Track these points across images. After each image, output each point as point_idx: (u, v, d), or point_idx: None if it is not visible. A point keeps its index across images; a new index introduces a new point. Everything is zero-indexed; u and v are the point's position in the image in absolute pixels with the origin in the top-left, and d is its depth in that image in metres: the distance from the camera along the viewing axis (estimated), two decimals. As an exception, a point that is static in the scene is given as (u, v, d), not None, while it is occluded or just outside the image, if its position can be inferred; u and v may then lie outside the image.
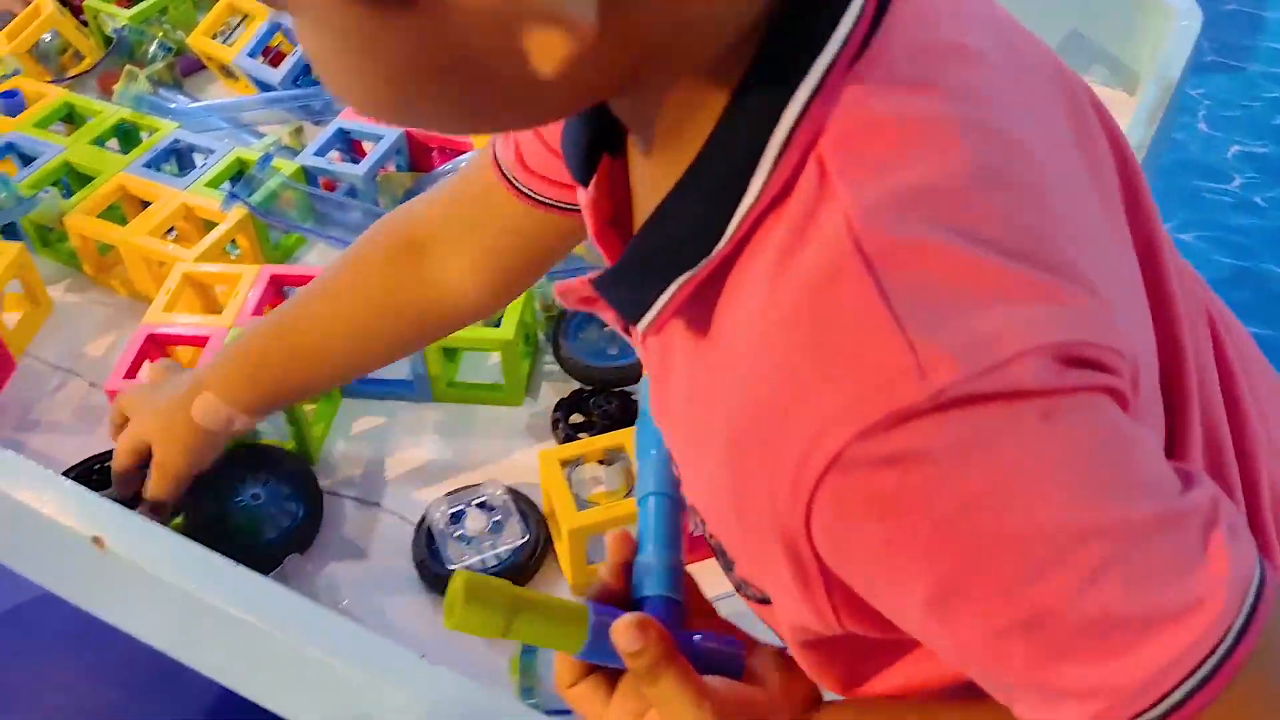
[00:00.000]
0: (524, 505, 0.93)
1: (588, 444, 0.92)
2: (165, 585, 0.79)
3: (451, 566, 0.89)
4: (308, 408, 1.00)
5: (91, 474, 0.95)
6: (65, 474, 0.94)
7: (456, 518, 0.92)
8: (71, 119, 1.31)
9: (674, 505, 0.63)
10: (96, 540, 0.82)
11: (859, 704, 0.60)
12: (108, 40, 1.50)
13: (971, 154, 0.43)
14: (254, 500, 0.94)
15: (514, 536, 0.90)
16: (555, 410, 1.02)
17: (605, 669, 0.58)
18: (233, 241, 1.15)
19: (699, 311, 0.48)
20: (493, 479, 0.94)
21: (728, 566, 0.57)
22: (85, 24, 1.50)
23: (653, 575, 0.60)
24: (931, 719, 0.57)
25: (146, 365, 0.99)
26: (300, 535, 0.93)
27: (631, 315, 0.50)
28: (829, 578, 0.46)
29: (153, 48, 1.46)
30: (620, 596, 0.61)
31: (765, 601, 0.54)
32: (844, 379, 0.41)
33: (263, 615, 0.76)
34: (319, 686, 0.77)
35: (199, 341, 1.00)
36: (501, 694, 0.75)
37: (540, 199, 0.72)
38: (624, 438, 0.92)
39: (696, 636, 0.59)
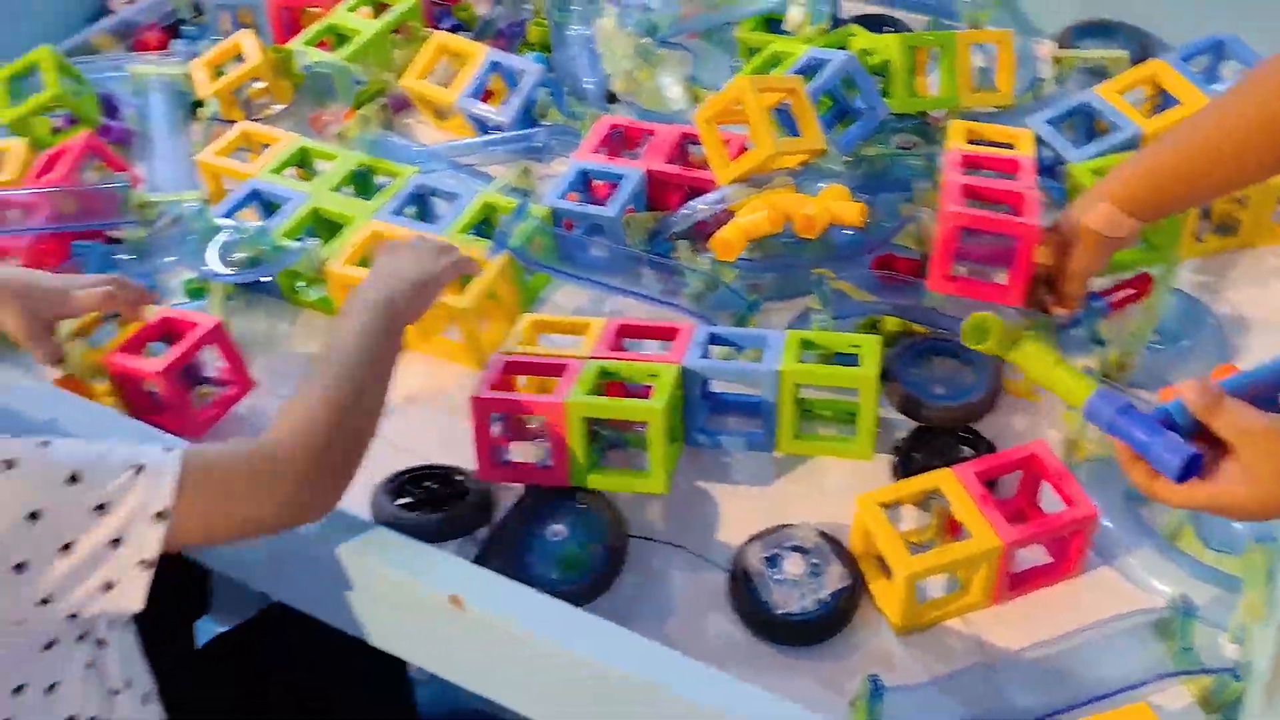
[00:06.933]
0: (836, 547, 0.94)
1: (904, 486, 0.93)
2: (542, 648, 0.81)
3: (780, 612, 0.89)
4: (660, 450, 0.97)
5: (400, 491, 0.98)
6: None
7: (772, 561, 0.93)
8: (303, 164, 1.32)
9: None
10: (454, 600, 0.84)
11: None
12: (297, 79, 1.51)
13: None
14: (554, 538, 0.96)
15: (835, 580, 0.91)
16: (896, 452, 1.02)
17: None
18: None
19: None
20: (803, 521, 0.95)
21: None
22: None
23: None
24: None
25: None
26: (600, 579, 0.94)
27: None
28: None
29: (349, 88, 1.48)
30: None
31: None
32: None
33: (661, 675, 0.77)
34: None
35: (556, 370, 1.01)
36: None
37: None
38: (939, 480, 0.92)
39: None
